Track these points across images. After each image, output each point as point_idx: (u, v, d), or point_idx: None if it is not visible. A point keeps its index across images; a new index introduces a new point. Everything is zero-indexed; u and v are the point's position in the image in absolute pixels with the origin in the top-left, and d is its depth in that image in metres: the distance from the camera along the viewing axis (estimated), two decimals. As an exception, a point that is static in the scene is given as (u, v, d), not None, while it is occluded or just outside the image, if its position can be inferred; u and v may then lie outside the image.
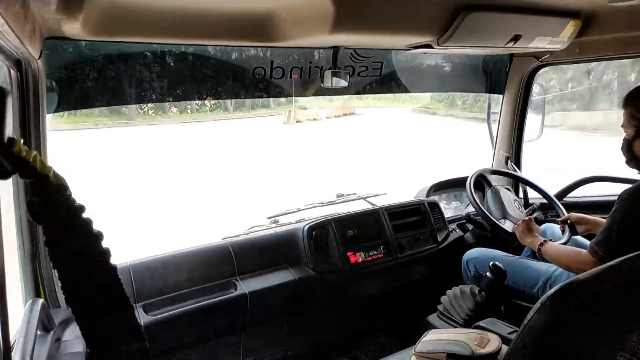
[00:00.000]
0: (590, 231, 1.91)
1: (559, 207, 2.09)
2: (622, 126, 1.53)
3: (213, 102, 14.74)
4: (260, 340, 1.87)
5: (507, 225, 1.98)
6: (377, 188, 2.38)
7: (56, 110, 1.43)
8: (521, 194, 2.42)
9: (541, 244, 1.72)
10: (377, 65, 2.02)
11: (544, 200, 2.21)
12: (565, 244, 1.83)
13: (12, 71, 1.12)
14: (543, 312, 0.80)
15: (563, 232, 1.94)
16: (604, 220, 1.84)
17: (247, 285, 1.71)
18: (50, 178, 0.66)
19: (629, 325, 0.98)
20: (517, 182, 2.43)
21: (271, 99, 15.40)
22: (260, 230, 1.99)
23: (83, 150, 9.43)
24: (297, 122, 16.22)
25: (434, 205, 2.21)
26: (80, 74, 1.45)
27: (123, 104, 1.63)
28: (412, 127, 14.70)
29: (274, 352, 1.93)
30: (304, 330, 2.01)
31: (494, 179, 2.28)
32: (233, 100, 14.78)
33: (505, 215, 2.07)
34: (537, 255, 1.84)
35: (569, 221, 1.92)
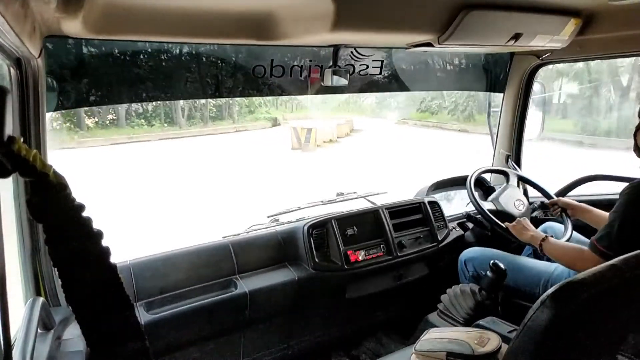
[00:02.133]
0: (575, 217, 1.96)
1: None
2: (637, 114, 1.55)
3: (151, 113, 12.03)
4: (260, 338, 1.87)
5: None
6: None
7: (56, 109, 1.43)
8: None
9: (543, 240, 1.70)
10: (377, 64, 2.02)
11: (545, 199, 2.21)
12: (568, 240, 1.83)
13: (12, 70, 1.12)
14: (543, 311, 0.80)
15: (561, 216, 1.98)
16: (589, 207, 1.89)
17: (247, 284, 1.72)
18: (50, 177, 0.66)
19: (629, 324, 0.98)
20: (517, 181, 2.43)
21: (230, 109, 13.36)
22: (260, 229, 1.99)
23: None
24: (317, 146, 10.93)
25: (434, 204, 2.21)
26: (80, 73, 1.45)
27: (123, 103, 1.62)
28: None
29: (274, 351, 1.94)
30: (304, 329, 2.01)
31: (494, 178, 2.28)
32: (185, 111, 12.46)
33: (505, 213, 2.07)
34: (537, 254, 1.83)
35: (558, 205, 1.97)
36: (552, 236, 1.76)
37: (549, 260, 1.80)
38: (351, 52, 1.89)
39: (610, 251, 1.46)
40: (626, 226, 1.46)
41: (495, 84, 2.42)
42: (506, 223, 1.89)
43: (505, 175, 2.25)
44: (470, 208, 2.26)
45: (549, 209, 2.11)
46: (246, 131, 13.25)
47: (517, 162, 2.45)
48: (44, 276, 1.29)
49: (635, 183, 1.49)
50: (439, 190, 2.45)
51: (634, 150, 1.57)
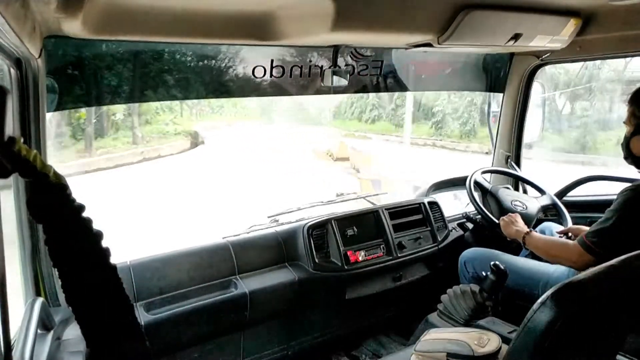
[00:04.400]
0: None
1: (559, 206, 2.09)
2: (623, 122, 1.54)
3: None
4: (260, 339, 1.87)
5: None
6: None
7: (56, 109, 1.43)
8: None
9: (527, 233, 1.73)
10: (377, 64, 2.02)
11: (546, 201, 2.20)
12: None
13: (12, 70, 1.12)
14: (543, 312, 0.80)
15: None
16: None
17: (247, 285, 1.72)
18: (50, 177, 0.66)
19: (629, 324, 0.98)
20: (517, 182, 2.43)
21: (112, 119, 8.04)
22: (260, 229, 1.99)
23: None
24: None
25: (434, 205, 2.21)
26: (80, 73, 1.44)
27: (123, 103, 1.62)
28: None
29: (274, 351, 1.93)
30: (304, 330, 2.01)
31: (496, 179, 2.26)
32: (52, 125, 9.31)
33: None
34: (536, 254, 1.83)
35: (569, 234, 1.92)
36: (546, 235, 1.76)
37: (548, 261, 1.80)
38: (351, 52, 1.89)
39: (599, 248, 1.47)
40: (619, 225, 1.47)
41: (495, 84, 2.42)
42: (501, 218, 1.90)
43: (540, 191, 2.22)
44: (470, 209, 2.26)
45: (548, 209, 2.11)
46: (160, 159, 7.80)
47: (517, 162, 2.45)
48: (44, 276, 1.29)
49: (632, 186, 1.49)
50: (439, 191, 2.45)
51: (626, 159, 1.56)
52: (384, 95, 11.01)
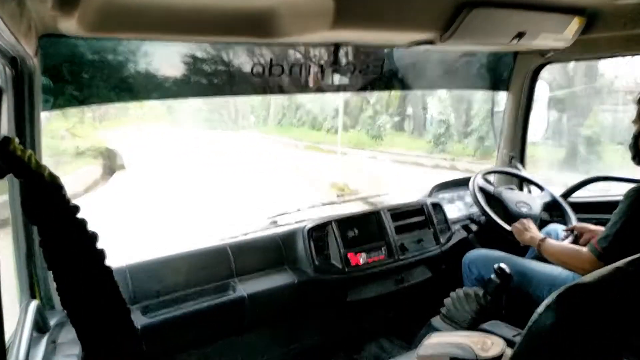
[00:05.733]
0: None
1: (565, 206, 2.07)
2: (632, 122, 1.53)
3: None
4: (259, 342, 1.86)
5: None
6: None
7: (52, 109, 1.42)
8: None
9: (542, 240, 1.71)
10: (379, 63, 2.00)
11: (548, 200, 2.18)
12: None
13: (7, 69, 1.11)
14: (548, 314, 0.78)
15: (565, 239, 1.92)
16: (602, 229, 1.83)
17: (245, 287, 1.70)
18: (45, 177, 0.66)
19: (636, 327, 0.96)
20: (521, 182, 2.41)
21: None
22: (259, 231, 1.97)
23: None
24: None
25: (437, 206, 2.19)
26: (77, 72, 1.43)
27: (120, 102, 1.61)
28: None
29: (273, 355, 1.92)
30: (304, 333, 1.99)
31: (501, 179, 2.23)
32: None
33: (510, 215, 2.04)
34: (541, 256, 1.82)
35: (574, 231, 1.90)
36: (552, 237, 1.75)
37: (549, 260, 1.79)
38: (352, 50, 1.87)
39: (608, 252, 1.46)
40: (627, 228, 1.46)
41: (499, 83, 2.40)
42: (513, 225, 1.87)
43: (540, 187, 2.20)
44: (474, 210, 2.24)
45: (554, 210, 2.09)
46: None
47: (521, 162, 2.43)
48: (39, 278, 1.28)
49: (638, 187, 1.48)
50: (442, 192, 2.43)
51: (633, 159, 1.55)
52: (348, 98, 9.14)
